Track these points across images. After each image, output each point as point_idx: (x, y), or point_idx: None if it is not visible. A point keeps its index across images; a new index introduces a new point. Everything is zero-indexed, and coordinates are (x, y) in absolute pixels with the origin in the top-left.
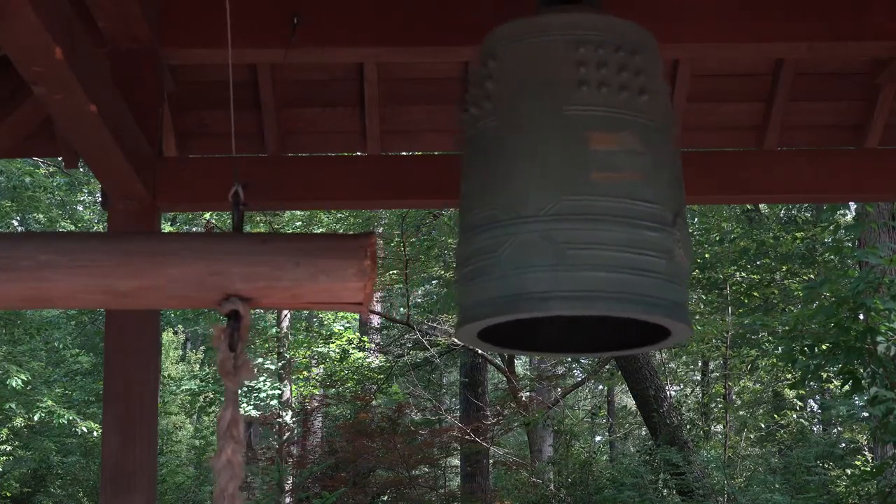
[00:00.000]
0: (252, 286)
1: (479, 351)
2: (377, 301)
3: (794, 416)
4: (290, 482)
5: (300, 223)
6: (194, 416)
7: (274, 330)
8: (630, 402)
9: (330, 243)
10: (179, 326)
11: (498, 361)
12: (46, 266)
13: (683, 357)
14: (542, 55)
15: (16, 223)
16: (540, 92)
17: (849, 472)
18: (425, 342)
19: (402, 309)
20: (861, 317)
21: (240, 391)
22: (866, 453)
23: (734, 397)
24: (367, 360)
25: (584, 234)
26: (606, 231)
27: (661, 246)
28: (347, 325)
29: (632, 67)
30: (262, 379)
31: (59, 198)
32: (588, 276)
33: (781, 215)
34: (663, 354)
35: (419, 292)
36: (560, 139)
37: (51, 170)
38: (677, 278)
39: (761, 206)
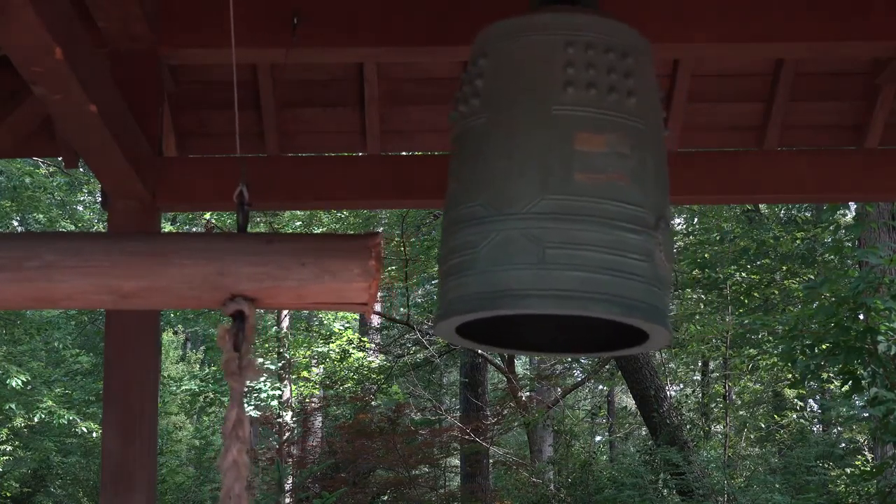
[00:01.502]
0: (257, 286)
1: (479, 351)
2: (377, 301)
3: (794, 416)
4: (290, 482)
5: (300, 223)
6: (194, 416)
7: (274, 330)
8: (630, 402)
9: (335, 243)
10: (179, 326)
11: (498, 361)
12: (53, 266)
13: (683, 357)
14: (531, 54)
15: (16, 223)
16: (528, 91)
17: (849, 472)
18: (425, 342)
19: (402, 309)
20: (861, 317)
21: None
22: (866, 453)
23: (734, 397)
24: (367, 360)
25: (564, 234)
26: (587, 231)
27: (642, 248)
28: (347, 325)
29: (621, 69)
30: (262, 379)
31: (59, 198)
32: (567, 275)
33: (781, 215)
34: (663, 354)
35: (419, 292)
36: (546, 138)
37: (51, 170)
38: (657, 282)
39: (761, 206)
